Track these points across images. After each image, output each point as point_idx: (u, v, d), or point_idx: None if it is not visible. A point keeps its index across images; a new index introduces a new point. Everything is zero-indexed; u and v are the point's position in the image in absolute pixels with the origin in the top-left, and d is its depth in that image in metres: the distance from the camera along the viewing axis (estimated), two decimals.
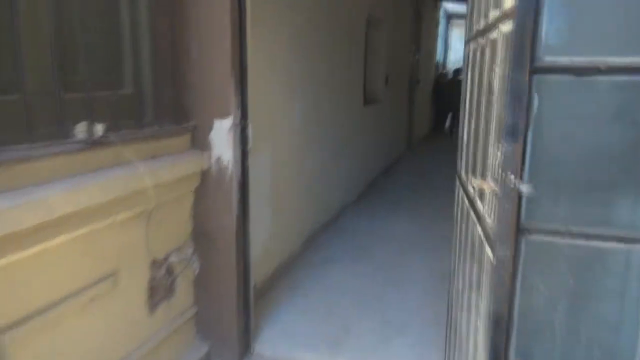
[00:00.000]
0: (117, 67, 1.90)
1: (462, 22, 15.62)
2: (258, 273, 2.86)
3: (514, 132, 1.09)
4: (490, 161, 1.30)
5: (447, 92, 11.43)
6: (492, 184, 1.25)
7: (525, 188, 1.11)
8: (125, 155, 1.71)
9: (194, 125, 2.14)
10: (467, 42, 1.95)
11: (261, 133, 2.81)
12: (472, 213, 1.58)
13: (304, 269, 3.31)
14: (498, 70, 1.25)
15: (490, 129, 1.31)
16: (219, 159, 2.16)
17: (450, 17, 14.80)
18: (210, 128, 2.14)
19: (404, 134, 8.44)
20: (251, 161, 2.39)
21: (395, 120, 7.44)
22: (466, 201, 1.71)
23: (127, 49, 1.92)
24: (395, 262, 3.48)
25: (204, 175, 2.15)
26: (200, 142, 2.15)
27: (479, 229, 1.43)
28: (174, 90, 2.10)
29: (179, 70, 2.10)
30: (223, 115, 2.13)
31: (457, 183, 1.98)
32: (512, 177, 1.11)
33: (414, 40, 8.59)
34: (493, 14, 1.37)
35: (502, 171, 1.12)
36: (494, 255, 1.18)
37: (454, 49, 16.49)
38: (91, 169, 1.60)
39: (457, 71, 12.01)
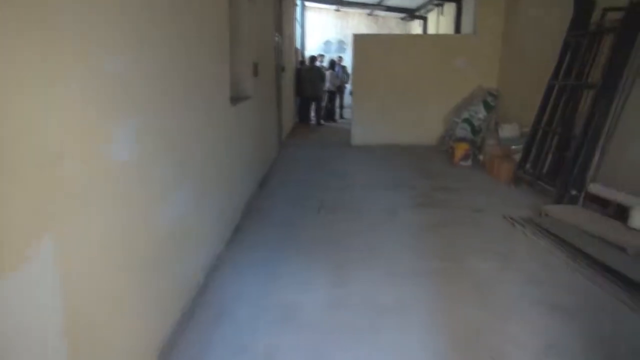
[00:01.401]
0: None
1: (317, 6, 14.78)
2: None
3: None
4: None
5: (308, 80, 10.65)
6: None
7: None
8: None
9: None
10: None
11: (26, 217, 1.23)
12: None
13: None
14: None
15: None
16: None
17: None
18: None
19: (276, 132, 7.17)
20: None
21: (266, 118, 6.09)
22: None
23: None
24: None
25: None
26: None
27: None
28: None
29: None
30: None
31: None
32: None
33: (276, 23, 7.32)
34: None
35: None
36: None
37: (310, 35, 15.64)
38: None
39: (313, 58, 11.16)
